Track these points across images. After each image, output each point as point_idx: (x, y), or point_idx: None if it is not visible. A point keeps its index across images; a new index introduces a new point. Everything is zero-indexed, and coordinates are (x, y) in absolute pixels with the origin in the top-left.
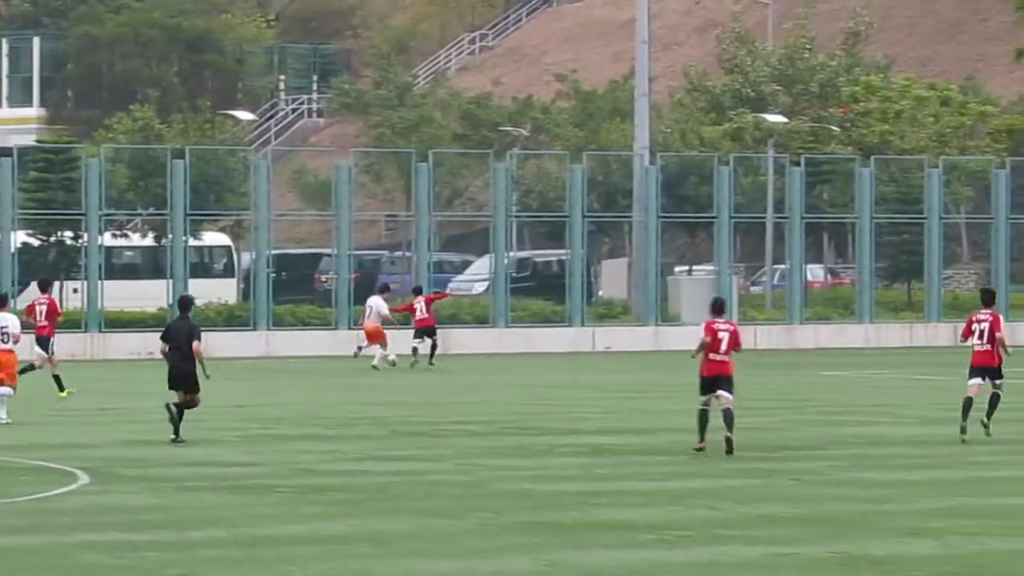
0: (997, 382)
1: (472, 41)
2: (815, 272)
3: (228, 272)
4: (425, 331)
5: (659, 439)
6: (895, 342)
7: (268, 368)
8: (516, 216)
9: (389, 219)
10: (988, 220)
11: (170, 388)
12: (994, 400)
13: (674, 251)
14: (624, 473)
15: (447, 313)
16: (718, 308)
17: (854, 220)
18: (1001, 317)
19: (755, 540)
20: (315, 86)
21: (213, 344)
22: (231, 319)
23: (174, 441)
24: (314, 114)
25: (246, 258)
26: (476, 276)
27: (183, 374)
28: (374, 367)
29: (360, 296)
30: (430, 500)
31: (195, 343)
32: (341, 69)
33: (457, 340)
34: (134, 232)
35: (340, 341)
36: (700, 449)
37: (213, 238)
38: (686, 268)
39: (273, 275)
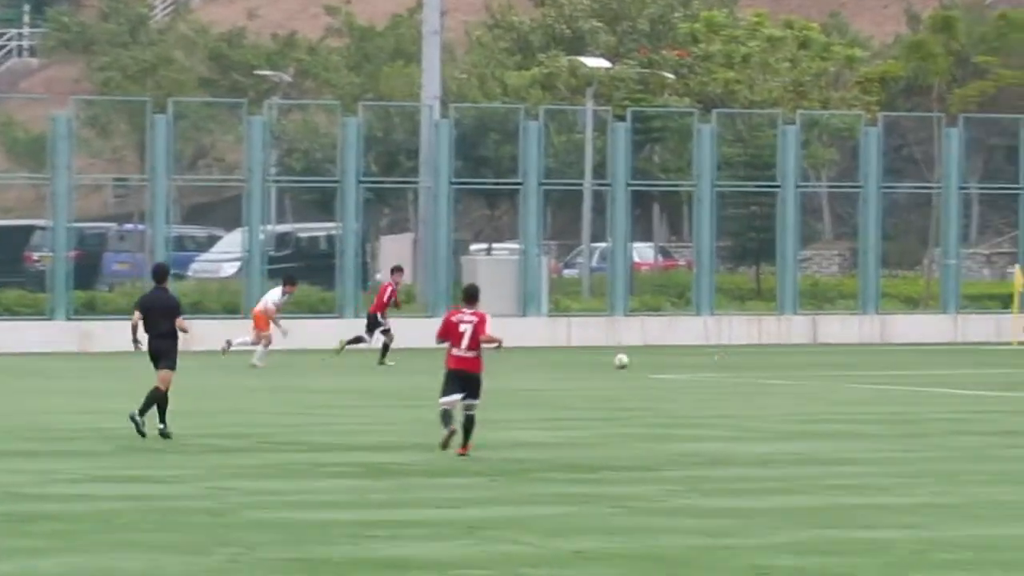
0: None
1: None
2: (643, 252)
3: None
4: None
5: (448, 457)
6: (740, 338)
7: None
8: (276, 181)
9: (118, 184)
10: (856, 189)
11: (152, 362)
12: None
13: (470, 225)
14: (405, 499)
15: (189, 301)
16: (469, 296)
17: (691, 188)
18: None
19: None
20: (26, 18)
21: None
22: None
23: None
24: (25, 53)
25: None
26: (225, 255)
27: (165, 350)
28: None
29: (82, 279)
30: (167, 531)
31: (179, 319)
32: None
33: (201, 333)
34: None
35: (55, 334)
36: (452, 433)
37: None
38: (484, 246)
39: None
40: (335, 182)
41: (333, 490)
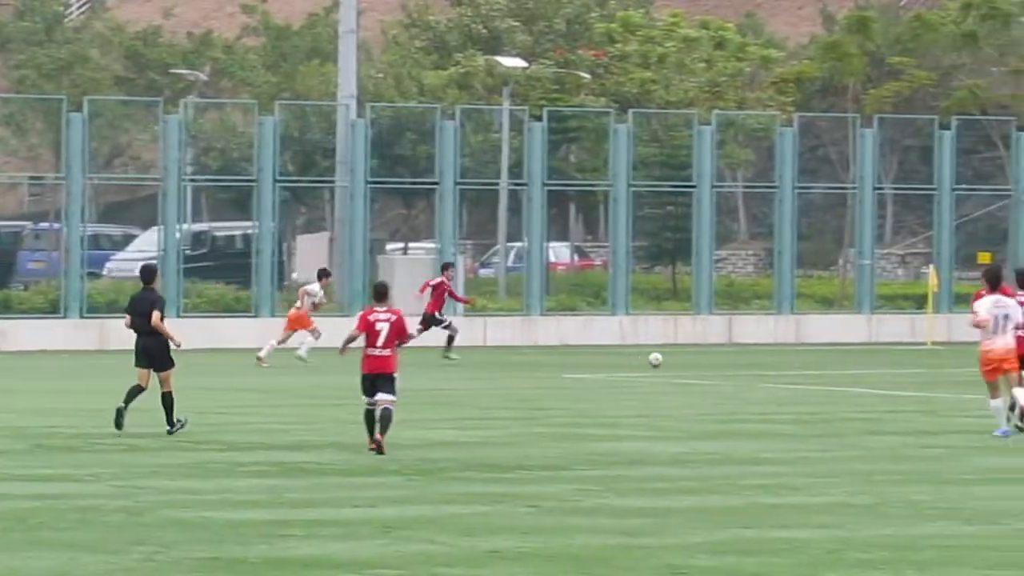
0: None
1: None
2: (559, 252)
3: None
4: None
5: (365, 456)
6: (656, 338)
7: None
8: (192, 180)
9: (33, 182)
10: (771, 189)
11: (137, 365)
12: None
13: (386, 224)
14: (322, 498)
15: (104, 300)
16: (380, 294)
17: (607, 188)
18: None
19: None
20: None
21: None
22: None
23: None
24: None
25: None
26: (141, 254)
27: (156, 351)
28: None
29: None
30: (82, 530)
31: (154, 314)
32: None
33: (117, 333)
34: None
35: None
36: (373, 449)
37: None
38: (401, 246)
39: None
40: (251, 181)
41: (250, 489)
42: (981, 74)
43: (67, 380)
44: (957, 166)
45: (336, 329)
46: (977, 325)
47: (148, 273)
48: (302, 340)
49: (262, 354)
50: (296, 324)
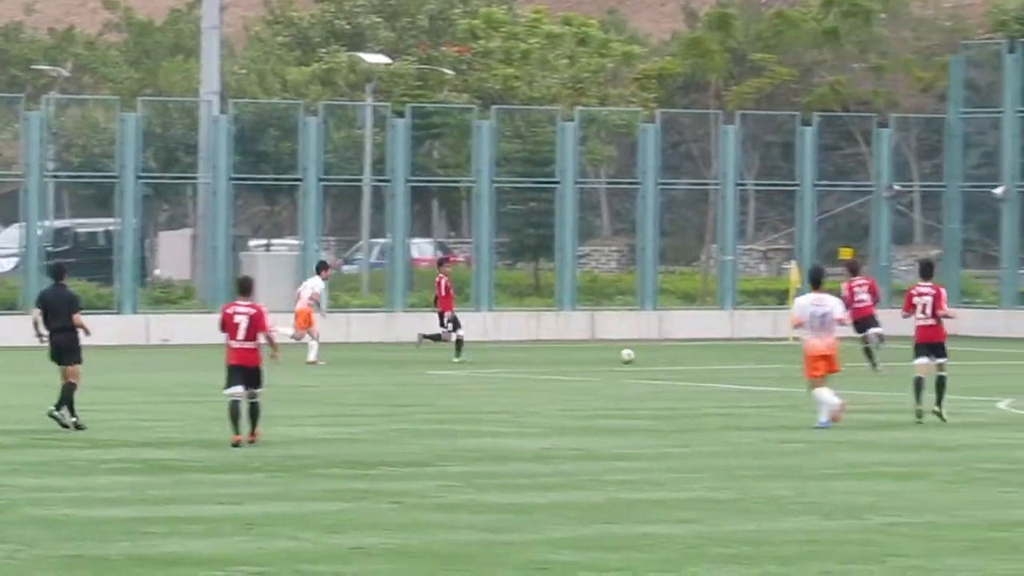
0: (941, 362)
1: None
2: (422, 248)
3: None
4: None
5: (228, 453)
6: (519, 334)
7: None
8: (53, 176)
9: None
10: (634, 185)
11: (52, 359)
12: (941, 385)
13: (249, 221)
14: (185, 495)
15: None
16: (244, 288)
17: (470, 184)
18: (943, 291)
19: None
20: None
21: None
22: None
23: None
24: None
25: None
26: (2, 251)
27: (66, 346)
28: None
29: None
30: None
31: (75, 315)
32: None
33: None
34: None
35: None
36: (236, 444)
37: None
38: (264, 242)
39: None
40: (114, 178)
41: (112, 487)
42: (842, 70)
43: None
44: (818, 162)
45: (196, 325)
46: (796, 325)
47: (59, 270)
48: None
49: (311, 357)
50: (306, 322)
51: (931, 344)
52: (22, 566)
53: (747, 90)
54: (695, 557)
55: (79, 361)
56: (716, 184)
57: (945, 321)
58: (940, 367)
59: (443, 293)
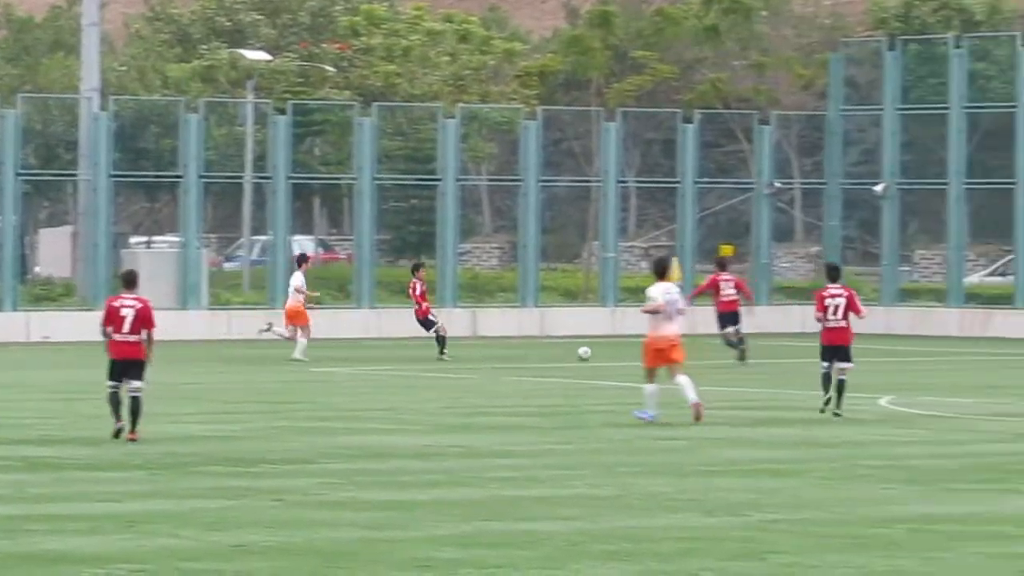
0: (845, 366)
1: None
2: (304, 245)
3: None
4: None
5: (109, 451)
6: (400, 331)
7: None
8: None
9: None
10: (515, 182)
11: None
12: (841, 387)
13: (130, 218)
14: (66, 493)
15: None
16: (128, 282)
17: (352, 182)
18: (856, 293)
19: (227, 575)
20: None
21: None
22: None
23: None
24: None
25: None
26: None
27: None
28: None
29: None
30: None
31: None
32: None
33: None
34: None
35: None
36: (119, 430)
37: None
38: (145, 239)
39: None
40: None
41: None
42: (723, 68)
43: None
44: (700, 159)
45: (77, 323)
46: (653, 311)
47: None
48: (300, 340)
49: (297, 355)
50: (296, 319)
51: (835, 348)
52: None
53: (628, 87)
54: (576, 554)
55: None
56: (597, 181)
57: (858, 321)
58: (841, 371)
59: (417, 298)
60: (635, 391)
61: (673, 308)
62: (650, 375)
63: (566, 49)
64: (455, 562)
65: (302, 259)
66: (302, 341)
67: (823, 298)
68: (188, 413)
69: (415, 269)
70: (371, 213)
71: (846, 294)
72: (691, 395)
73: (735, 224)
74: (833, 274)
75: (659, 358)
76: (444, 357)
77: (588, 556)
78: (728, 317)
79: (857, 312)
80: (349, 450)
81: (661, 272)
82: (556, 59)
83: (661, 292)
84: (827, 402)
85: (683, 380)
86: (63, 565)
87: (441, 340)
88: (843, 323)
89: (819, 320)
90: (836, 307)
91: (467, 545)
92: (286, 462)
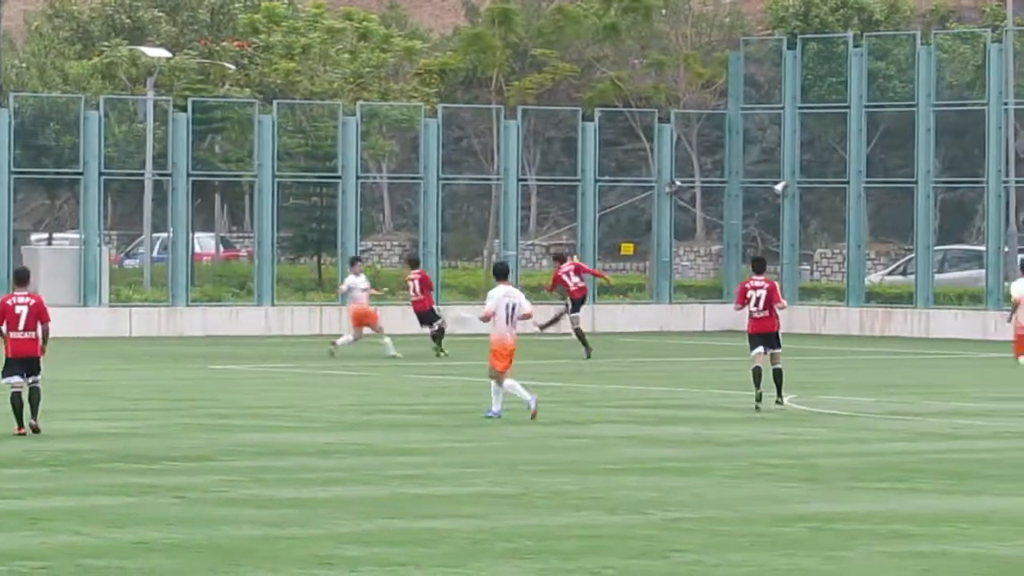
0: (776, 351)
1: None
2: (204, 242)
3: None
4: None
5: (10, 448)
6: (302, 329)
7: None
8: None
9: None
10: (416, 180)
11: None
12: (778, 377)
13: (31, 215)
14: None
15: None
16: (20, 279)
17: (252, 179)
18: (777, 284)
19: (129, 572)
20: None
21: None
22: None
23: None
24: None
25: None
26: None
27: None
28: (392, 356)
29: None
30: None
31: None
32: None
33: None
34: None
35: None
36: (21, 434)
37: None
38: (45, 236)
39: None
40: None
41: None
42: (623, 66)
43: None
44: (600, 158)
45: None
46: (484, 318)
47: None
48: (382, 341)
49: (390, 352)
50: (363, 320)
51: (765, 335)
52: None
53: (528, 85)
54: (478, 552)
55: None
56: (498, 179)
57: (780, 312)
58: (774, 358)
59: (418, 294)
60: (536, 389)
61: (514, 313)
62: (498, 376)
63: (466, 47)
64: (357, 560)
65: (353, 261)
66: (385, 340)
67: (745, 290)
68: (89, 410)
69: (413, 264)
70: (272, 210)
71: (767, 286)
72: (524, 395)
73: (636, 222)
74: (758, 266)
75: (505, 360)
76: (442, 353)
77: (490, 554)
78: (582, 303)
79: (777, 301)
80: (251, 447)
81: (503, 274)
82: (456, 57)
83: (500, 296)
84: (759, 398)
85: (512, 383)
86: None
87: (438, 334)
88: (765, 313)
89: (737, 310)
90: (758, 298)
91: (369, 543)
92: (188, 459)
